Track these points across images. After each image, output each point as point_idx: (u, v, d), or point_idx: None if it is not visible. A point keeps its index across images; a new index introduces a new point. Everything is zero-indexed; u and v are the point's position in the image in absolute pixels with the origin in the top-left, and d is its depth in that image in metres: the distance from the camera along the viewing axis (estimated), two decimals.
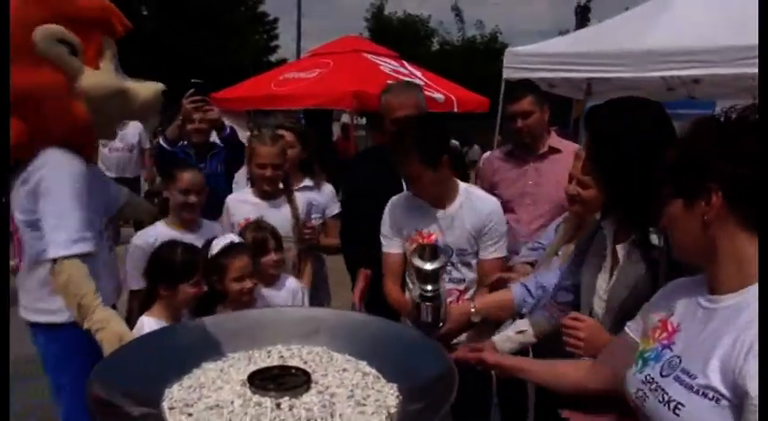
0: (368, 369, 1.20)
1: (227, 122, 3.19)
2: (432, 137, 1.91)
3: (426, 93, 6.69)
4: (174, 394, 1.09)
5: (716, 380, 0.88)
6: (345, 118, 10.19)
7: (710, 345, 0.92)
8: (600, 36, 5.34)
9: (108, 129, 2.03)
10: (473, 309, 1.70)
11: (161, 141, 3.02)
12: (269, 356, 1.26)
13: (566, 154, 2.47)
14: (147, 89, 1.96)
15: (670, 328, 1.03)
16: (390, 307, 2.07)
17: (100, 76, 1.88)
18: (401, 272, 2.10)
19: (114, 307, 1.90)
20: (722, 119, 0.96)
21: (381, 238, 2.13)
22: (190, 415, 1.02)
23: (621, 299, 1.33)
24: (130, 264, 2.19)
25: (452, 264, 2.04)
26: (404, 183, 2.33)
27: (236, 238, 2.03)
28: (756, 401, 0.82)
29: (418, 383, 1.11)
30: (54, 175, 1.80)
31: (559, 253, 1.92)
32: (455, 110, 6.99)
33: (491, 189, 2.65)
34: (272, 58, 21.02)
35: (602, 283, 1.41)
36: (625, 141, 1.29)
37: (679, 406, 0.92)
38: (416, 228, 2.03)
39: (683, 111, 6.79)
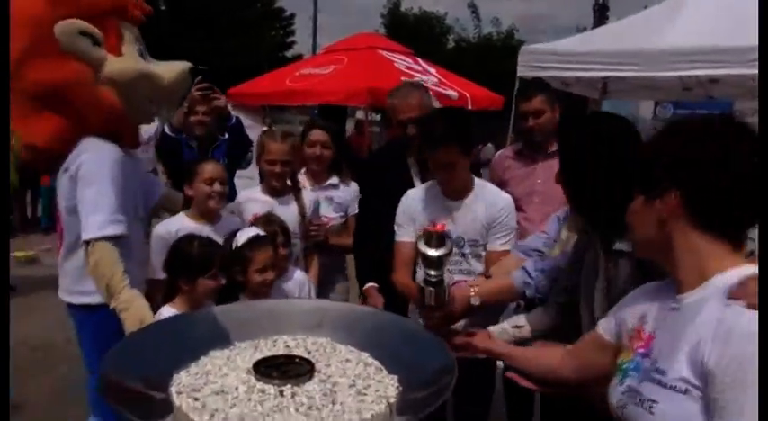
0: (370, 360, 1.23)
1: (241, 116, 3.23)
2: (468, 126, 2.02)
3: (440, 89, 6.73)
4: (182, 379, 1.13)
5: (685, 371, 0.91)
6: (360, 114, 10.22)
7: (678, 341, 0.94)
8: (616, 35, 5.30)
9: (141, 113, 2.11)
10: (473, 293, 1.72)
11: (165, 128, 3.08)
12: (275, 345, 1.30)
13: None
14: (173, 69, 2.06)
15: (645, 337, 1.05)
16: (398, 298, 2.11)
17: (124, 62, 1.97)
18: (412, 260, 2.15)
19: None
20: (692, 123, 1.00)
21: (395, 227, 2.19)
22: (196, 399, 1.05)
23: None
24: (153, 255, 2.24)
25: (463, 256, 2.12)
26: (415, 180, 2.37)
27: (260, 231, 2.08)
28: (719, 379, 0.85)
29: (419, 374, 1.14)
30: (91, 161, 1.91)
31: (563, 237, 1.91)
32: (469, 107, 6.99)
33: (501, 186, 2.67)
34: (288, 54, 21.11)
35: (600, 287, 1.43)
36: (586, 154, 1.35)
37: (653, 403, 0.95)
38: (431, 218, 2.08)
39: (701, 111, 6.74)
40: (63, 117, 1.95)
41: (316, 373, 1.14)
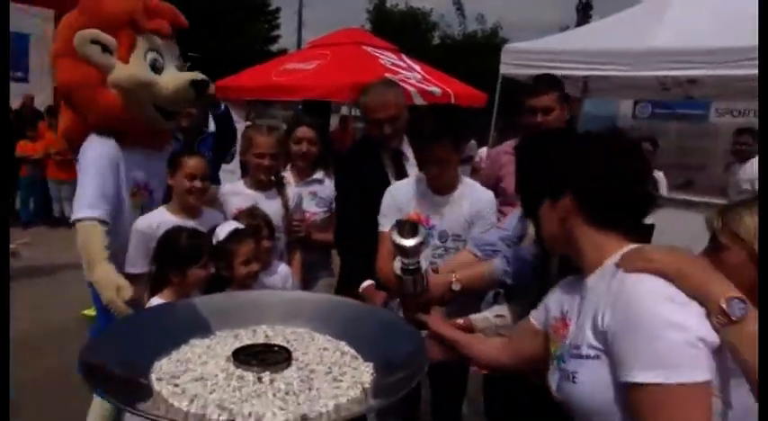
0: (346, 348, 1.26)
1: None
2: (459, 123, 2.07)
3: (423, 86, 6.77)
4: (163, 366, 1.15)
5: (590, 337, 1.04)
6: (344, 110, 10.23)
7: (583, 317, 1.09)
8: (597, 34, 5.39)
9: (149, 117, 2.29)
10: (454, 279, 1.76)
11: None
12: (254, 335, 1.32)
13: None
14: (176, 80, 2.25)
15: (567, 324, 1.17)
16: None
17: (129, 70, 2.20)
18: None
19: None
20: (586, 137, 1.17)
21: (380, 218, 2.22)
22: (176, 385, 1.08)
23: None
24: (131, 249, 2.24)
25: (446, 250, 2.16)
26: (390, 177, 2.40)
27: (240, 225, 2.10)
28: (611, 333, 0.98)
29: (393, 361, 1.17)
30: (84, 154, 2.23)
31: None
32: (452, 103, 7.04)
33: (497, 182, 2.70)
34: (273, 49, 21.01)
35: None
36: (531, 170, 1.41)
37: (575, 375, 1.06)
38: (416, 211, 2.14)
39: (680, 111, 6.87)
40: (75, 113, 2.27)
41: (293, 361, 1.17)
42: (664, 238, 1.23)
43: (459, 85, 7.67)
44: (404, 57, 7.72)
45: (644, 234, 1.17)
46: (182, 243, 1.94)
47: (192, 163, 2.24)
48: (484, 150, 8.80)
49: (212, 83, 3.09)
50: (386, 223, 2.19)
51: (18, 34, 8.13)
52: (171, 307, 1.59)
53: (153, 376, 1.12)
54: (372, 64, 6.88)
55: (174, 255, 1.94)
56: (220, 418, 0.98)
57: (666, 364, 0.91)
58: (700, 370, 0.91)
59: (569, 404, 1.11)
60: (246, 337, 1.31)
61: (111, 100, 2.20)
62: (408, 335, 1.28)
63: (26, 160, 7.25)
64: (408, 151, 2.43)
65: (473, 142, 9.93)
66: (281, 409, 1.00)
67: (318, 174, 2.76)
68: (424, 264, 1.54)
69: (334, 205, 2.71)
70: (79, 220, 2.11)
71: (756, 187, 4.27)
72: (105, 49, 2.19)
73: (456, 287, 1.76)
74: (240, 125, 3.39)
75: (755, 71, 4.38)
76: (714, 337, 0.94)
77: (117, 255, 2.16)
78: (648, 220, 1.17)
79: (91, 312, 4.02)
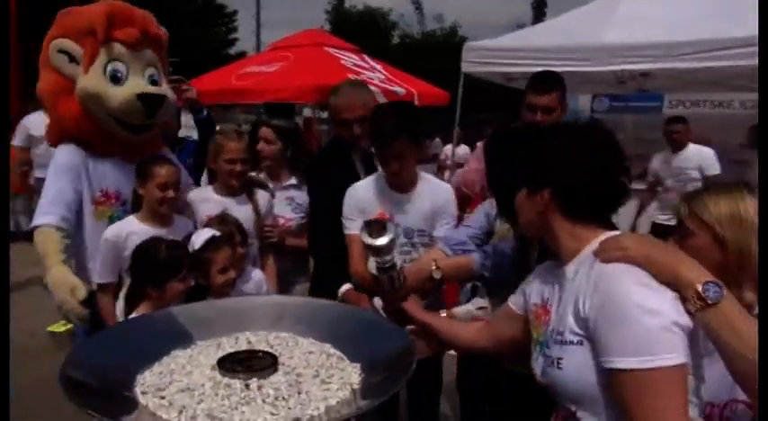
0: (332, 351, 1.26)
1: (183, 116, 3.15)
2: (417, 120, 2.08)
3: (387, 86, 6.78)
4: (147, 379, 1.14)
5: (572, 324, 1.07)
6: (307, 112, 10.17)
7: (565, 305, 1.12)
8: (555, 31, 5.50)
9: (111, 127, 2.26)
10: (434, 267, 1.78)
11: None
12: (236, 342, 1.31)
13: None
14: (124, 93, 2.20)
15: (548, 311, 1.20)
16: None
17: (85, 81, 2.19)
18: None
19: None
20: (563, 130, 1.19)
21: (344, 221, 2.20)
22: (162, 397, 1.06)
23: None
24: (99, 258, 2.18)
25: (413, 245, 2.18)
26: (362, 178, 2.41)
27: (216, 232, 2.05)
28: (592, 321, 1.02)
29: (380, 361, 1.18)
30: (51, 162, 2.28)
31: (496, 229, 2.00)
32: (416, 103, 7.08)
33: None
34: (232, 52, 20.71)
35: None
36: (507, 162, 1.43)
37: (559, 361, 1.10)
38: (379, 210, 2.15)
39: (633, 104, 7.08)
40: (51, 119, 2.33)
41: (280, 366, 1.17)
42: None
43: (422, 84, 7.72)
44: (365, 57, 7.72)
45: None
46: (160, 255, 1.88)
47: (164, 172, 2.18)
48: (449, 148, 8.92)
49: (192, 87, 3.05)
50: (351, 225, 2.18)
51: None
52: (149, 318, 1.56)
53: (137, 389, 1.10)
54: (335, 65, 6.85)
55: (152, 267, 1.87)
56: None
57: (644, 350, 0.95)
58: (676, 353, 0.95)
59: (554, 388, 1.14)
60: (229, 345, 1.30)
61: (72, 109, 2.20)
62: (392, 333, 1.29)
63: None
64: None
65: (438, 140, 10.04)
66: (273, 415, 1.00)
67: (294, 180, 2.73)
68: (398, 260, 1.55)
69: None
70: (36, 227, 2.13)
71: (706, 173, 4.62)
72: (72, 58, 2.20)
73: (437, 275, 1.78)
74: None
75: (705, 64, 4.56)
76: (687, 321, 0.98)
77: (78, 260, 2.23)
78: None
79: (58, 328, 3.91)
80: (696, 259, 1.04)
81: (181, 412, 1.01)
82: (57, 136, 2.32)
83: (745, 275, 1.13)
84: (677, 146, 4.83)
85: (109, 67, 2.19)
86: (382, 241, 1.46)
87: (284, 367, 1.17)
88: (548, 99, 2.40)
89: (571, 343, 1.08)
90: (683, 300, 0.99)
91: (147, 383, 1.12)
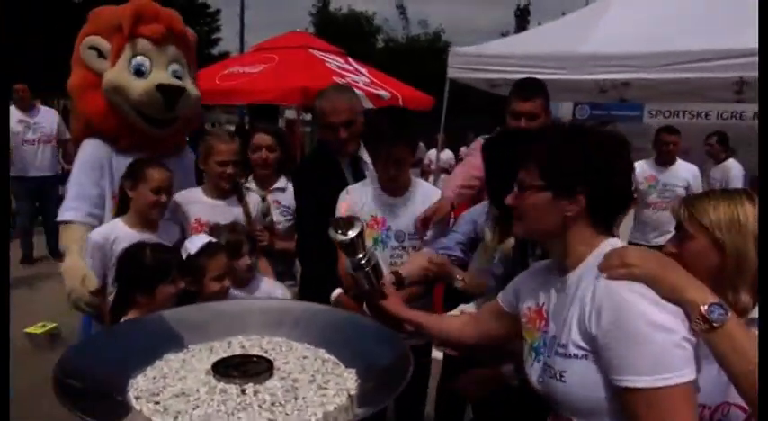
0: (327, 356, 1.26)
1: None
2: (413, 125, 2.12)
3: (372, 89, 6.79)
4: (140, 384, 1.12)
5: (577, 338, 1.07)
6: (289, 114, 10.12)
7: (566, 314, 1.11)
8: (539, 40, 5.58)
9: (135, 121, 2.32)
10: (459, 277, 1.87)
11: None
12: (229, 347, 1.30)
13: None
14: (145, 84, 2.26)
15: (544, 317, 1.20)
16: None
17: (111, 74, 2.27)
18: None
19: None
20: (600, 133, 1.17)
21: None
22: (157, 403, 1.05)
23: None
24: (88, 262, 2.12)
25: (404, 249, 2.19)
26: (349, 181, 2.42)
27: (212, 239, 2.00)
28: (601, 342, 1.02)
29: (375, 366, 1.18)
30: (76, 158, 2.36)
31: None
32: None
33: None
34: (214, 52, 20.53)
35: None
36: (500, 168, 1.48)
37: (562, 374, 1.10)
38: (372, 213, 2.16)
39: (614, 113, 7.21)
40: (77, 115, 2.42)
41: (275, 371, 1.16)
42: None
43: (407, 88, 7.75)
44: (350, 60, 7.72)
45: None
46: (147, 259, 1.81)
47: (158, 175, 2.14)
48: (433, 152, 8.96)
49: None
50: None
51: None
52: (140, 321, 1.53)
53: (130, 394, 1.09)
54: (320, 68, 6.84)
55: (140, 272, 1.81)
56: None
57: (659, 368, 0.96)
58: (687, 369, 0.97)
59: (554, 399, 1.14)
60: (222, 349, 1.29)
61: (98, 103, 2.29)
62: (386, 338, 1.29)
63: None
64: (366, 156, 2.44)
65: (422, 145, 10.07)
66: None
67: (281, 182, 2.72)
68: (373, 258, 1.55)
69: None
70: (62, 222, 2.27)
71: (692, 191, 4.12)
72: (101, 54, 2.30)
73: (459, 285, 1.85)
74: None
75: (684, 75, 4.65)
76: (693, 335, 0.99)
77: None
78: None
79: (36, 330, 3.82)
80: (694, 262, 1.07)
81: (176, 418, 1.00)
82: (82, 131, 2.41)
83: (742, 279, 1.15)
84: (667, 159, 4.47)
85: (133, 62, 2.28)
86: (348, 236, 1.45)
87: (280, 372, 1.16)
88: (531, 105, 2.42)
89: (575, 356, 1.08)
90: (688, 318, 1.00)
91: (140, 388, 1.11)
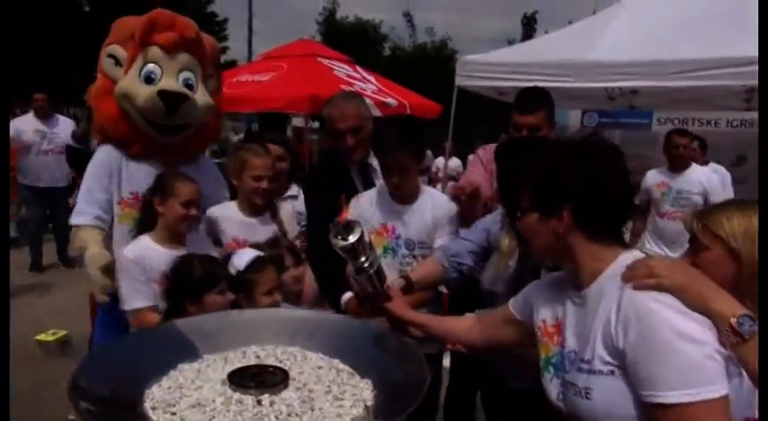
0: (341, 366, 1.26)
1: None
2: (420, 133, 2.11)
3: (379, 97, 6.81)
4: (155, 394, 1.12)
5: (603, 353, 1.05)
6: (296, 121, 10.15)
7: (589, 330, 1.09)
8: (547, 47, 5.58)
9: (144, 126, 2.33)
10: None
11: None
12: (244, 357, 1.30)
13: None
14: (148, 91, 2.28)
15: (562, 332, 1.19)
16: None
17: (123, 82, 2.32)
18: None
19: None
20: (572, 147, 1.16)
21: None
22: (173, 414, 1.05)
23: None
24: (127, 282, 2.05)
25: (414, 257, 2.18)
26: (359, 187, 2.42)
27: (259, 253, 1.98)
28: (630, 356, 0.99)
29: (390, 377, 1.17)
30: (89, 163, 2.39)
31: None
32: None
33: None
34: (222, 60, 20.68)
35: None
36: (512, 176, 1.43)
37: (588, 391, 1.07)
38: (381, 221, 2.16)
39: (623, 120, 7.20)
40: (94, 120, 2.48)
41: (291, 381, 1.16)
42: None
43: (414, 95, 7.77)
44: (358, 68, 7.76)
45: None
46: (195, 270, 1.81)
47: (187, 189, 2.11)
48: (441, 160, 8.96)
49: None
50: None
51: None
52: (152, 332, 1.53)
53: (147, 405, 1.09)
54: (328, 76, 6.88)
55: (188, 283, 1.80)
56: None
57: (689, 382, 0.93)
58: (721, 384, 0.94)
59: (578, 417, 1.11)
60: (237, 359, 1.29)
61: (111, 109, 2.34)
62: (401, 348, 1.29)
63: None
64: (376, 163, 2.45)
65: (429, 152, 10.09)
66: None
67: (292, 190, 2.73)
68: (376, 262, 1.54)
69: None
70: (75, 226, 2.31)
71: (711, 199, 3.95)
72: (117, 62, 2.36)
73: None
74: None
75: (693, 82, 4.61)
76: (724, 347, 0.97)
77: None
78: None
79: (47, 337, 3.84)
80: (709, 273, 1.05)
81: None
82: (99, 137, 2.49)
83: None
84: (680, 164, 4.15)
85: (144, 69, 2.31)
86: (349, 241, 1.45)
87: (295, 382, 1.16)
88: (533, 118, 2.39)
89: (601, 373, 1.05)
90: (717, 331, 0.97)
91: (156, 398, 1.11)
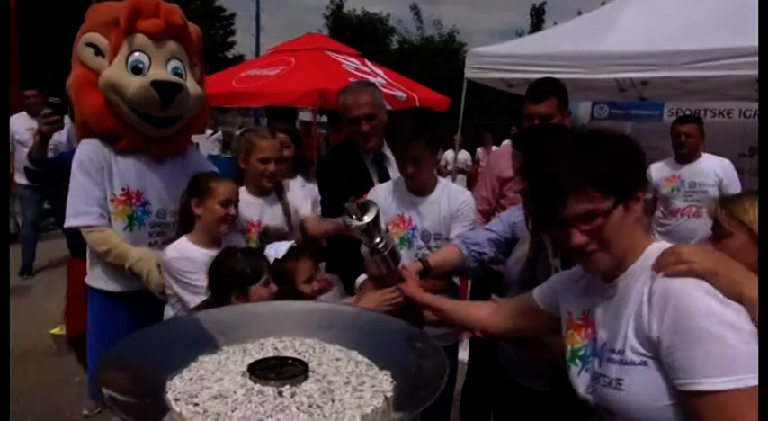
0: (360, 357, 1.26)
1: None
2: (435, 124, 2.11)
3: (388, 91, 6.81)
4: (177, 386, 1.13)
5: (635, 344, 1.04)
6: (304, 116, 10.17)
7: (620, 321, 1.08)
8: (557, 39, 5.54)
9: (132, 120, 2.22)
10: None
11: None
12: (262, 348, 1.31)
13: None
14: (140, 81, 2.16)
15: (591, 324, 1.17)
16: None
17: (108, 72, 2.17)
18: None
19: None
20: (612, 135, 1.13)
21: None
22: (195, 404, 1.06)
23: None
24: (181, 284, 2.02)
25: (429, 249, 2.18)
26: (372, 176, 2.43)
27: (292, 243, 1.99)
28: (664, 344, 0.98)
29: (409, 368, 1.18)
30: (74, 159, 2.24)
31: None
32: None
33: (501, 185, 2.71)
34: (229, 55, 20.71)
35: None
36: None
37: (620, 382, 1.06)
38: (398, 213, 2.17)
39: (634, 112, 7.14)
40: (76, 113, 2.31)
41: (310, 373, 1.17)
42: None
43: (423, 88, 7.76)
44: (367, 62, 7.76)
45: None
46: (238, 263, 1.78)
47: (224, 188, 2.09)
48: (449, 153, 8.94)
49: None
50: None
51: None
52: (173, 324, 1.55)
53: (169, 396, 1.10)
54: (337, 69, 6.89)
55: (233, 275, 1.77)
56: None
57: (730, 369, 0.92)
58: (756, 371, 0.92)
59: (609, 409, 1.10)
60: (255, 351, 1.29)
61: (95, 102, 2.19)
62: (419, 338, 1.29)
63: None
64: (389, 153, 2.46)
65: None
66: None
67: (298, 181, 2.75)
68: (390, 242, 1.54)
69: (319, 209, 2.69)
70: (82, 227, 2.23)
71: (727, 191, 3.63)
72: (98, 51, 2.20)
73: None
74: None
75: (705, 73, 4.55)
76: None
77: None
78: None
79: (60, 331, 3.88)
80: (733, 259, 1.05)
81: (216, 420, 1.01)
82: (80, 131, 2.32)
83: None
84: (688, 154, 3.80)
85: (131, 59, 2.16)
86: (364, 221, 1.45)
87: (315, 374, 1.17)
88: (545, 107, 2.40)
89: (633, 363, 1.04)
90: (750, 317, 0.96)
91: (178, 389, 1.12)
